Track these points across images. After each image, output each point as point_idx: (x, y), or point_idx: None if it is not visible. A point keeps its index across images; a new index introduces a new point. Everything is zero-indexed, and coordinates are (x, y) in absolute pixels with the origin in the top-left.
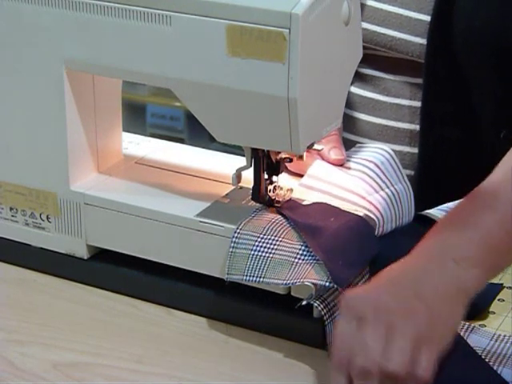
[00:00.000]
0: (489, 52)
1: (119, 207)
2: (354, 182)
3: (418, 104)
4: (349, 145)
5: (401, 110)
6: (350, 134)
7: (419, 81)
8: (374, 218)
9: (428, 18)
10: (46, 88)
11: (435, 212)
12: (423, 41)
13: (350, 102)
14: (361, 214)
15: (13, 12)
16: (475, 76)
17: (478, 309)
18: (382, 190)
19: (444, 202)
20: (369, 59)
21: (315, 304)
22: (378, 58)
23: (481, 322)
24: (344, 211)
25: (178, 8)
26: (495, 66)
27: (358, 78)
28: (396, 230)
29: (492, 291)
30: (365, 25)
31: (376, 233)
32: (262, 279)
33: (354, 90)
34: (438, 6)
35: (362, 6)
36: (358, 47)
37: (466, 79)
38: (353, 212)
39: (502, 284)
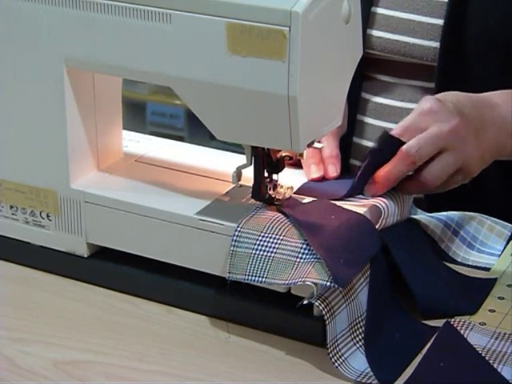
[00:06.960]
0: (502, 51)
1: (119, 205)
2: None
3: None
4: (364, 151)
5: None
6: (366, 140)
7: (433, 85)
8: (380, 207)
9: (440, 22)
10: (46, 86)
11: (424, 218)
12: (437, 44)
13: (365, 109)
14: (365, 209)
15: (13, 10)
16: (487, 78)
17: (473, 303)
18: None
19: (454, 207)
20: (383, 66)
21: (316, 303)
22: (392, 64)
23: (481, 320)
24: (344, 209)
25: (178, 6)
26: (508, 66)
27: (373, 84)
28: (397, 225)
29: (487, 285)
30: (378, 33)
31: (378, 225)
32: (264, 279)
33: (369, 96)
34: (451, 7)
35: (374, 14)
36: (358, 45)
37: (477, 82)
38: (353, 210)
39: (496, 278)
